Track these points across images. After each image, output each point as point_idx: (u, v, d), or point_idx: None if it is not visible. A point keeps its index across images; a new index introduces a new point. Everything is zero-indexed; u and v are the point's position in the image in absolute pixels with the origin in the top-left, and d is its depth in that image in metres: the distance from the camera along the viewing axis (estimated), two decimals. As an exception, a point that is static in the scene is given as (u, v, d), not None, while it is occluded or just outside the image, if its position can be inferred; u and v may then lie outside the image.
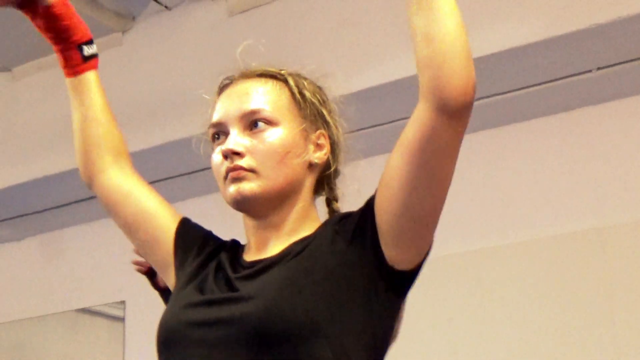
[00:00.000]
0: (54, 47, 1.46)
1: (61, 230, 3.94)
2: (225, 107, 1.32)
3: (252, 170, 1.27)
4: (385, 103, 2.93)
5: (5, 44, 3.47)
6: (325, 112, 1.36)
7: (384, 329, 1.24)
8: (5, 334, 4.10)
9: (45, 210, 3.76)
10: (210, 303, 1.25)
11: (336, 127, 1.37)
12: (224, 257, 1.34)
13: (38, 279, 3.99)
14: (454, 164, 1.17)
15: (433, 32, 1.12)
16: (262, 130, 1.28)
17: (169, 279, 1.41)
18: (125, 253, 3.74)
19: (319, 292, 1.18)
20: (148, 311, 3.54)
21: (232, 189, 1.27)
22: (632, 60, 2.70)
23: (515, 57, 2.68)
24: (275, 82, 1.34)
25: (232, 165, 1.27)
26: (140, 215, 1.41)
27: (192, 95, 3.11)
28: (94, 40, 3.61)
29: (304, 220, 1.33)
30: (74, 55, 1.45)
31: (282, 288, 1.18)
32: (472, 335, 3.01)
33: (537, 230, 2.99)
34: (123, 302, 3.76)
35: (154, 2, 3.28)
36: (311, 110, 1.34)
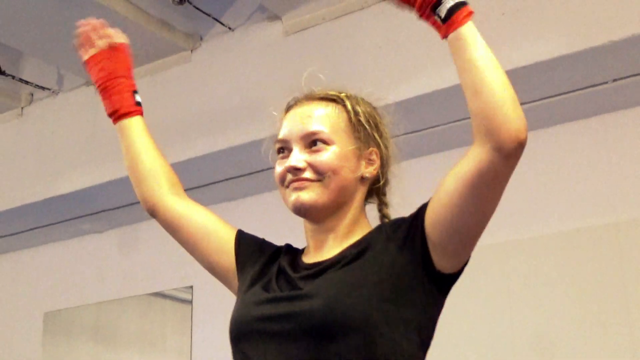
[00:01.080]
0: (108, 90, 1.49)
1: (136, 224, 3.96)
2: (290, 127, 1.33)
3: (312, 181, 1.29)
4: (421, 112, 2.92)
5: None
6: (376, 135, 1.37)
7: (429, 324, 1.25)
8: (88, 315, 4.13)
9: (123, 206, 3.78)
10: (276, 300, 1.26)
11: (386, 146, 1.38)
12: (283, 260, 1.36)
13: (116, 267, 4.02)
14: (503, 191, 1.19)
15: (480, 87, 1.13)
16: (320, 149, 1.30)
17: (231, 283, 1.43)
18: None
19: (374, 292, 1.19)
20: (213, 295, 3.57)
21: (293, 197, 1.30)
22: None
23: (540, 71, 2.67)
24: (334, 105, 1.35)
25: (295, 178, 1.30)
26: (200, 233, 1.43)
27: (252, 106, 3.17)
28: (168, 58, 3.67)
29: (355, 226, 1.35)
30: (130, 99, 1.50)
31: (341, 287, 1.20)
32: (496, 323, 2.98)
33: (557, 224, 2.96)
34: (191, 287, 3.77)
35: (219, 24, 3.30)
36: (364, 131, 1.35)
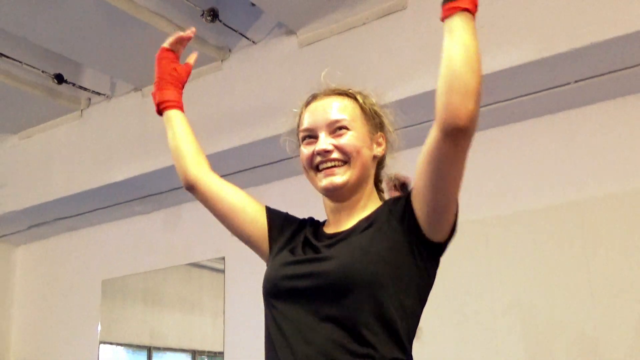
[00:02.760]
0: (165, 86, 1.55)
1: (178, 206, 3.98)
2: (314, 117, 1.34)
3: (340, 161, 1.31)
4: (413, 110, 2.93)
5: (137, 67, 3.50)
6: (384, 121, 1.40)
7: (426, 284, 1.27)
8: (138, 282, 4.14)
9: (167, 191, 3.80)
10: (300, 262, 1.28)
11: (390, 131, 1.41)
12: (308, 231, 1.37)
13: (161, 241, 4.04)
14: (461, 169, 1.16)
15: (443, 69, 1.10)
16: (343, 134, 1.31)
17: (263, 250, 1.43)
18: None
19: (380, 257, 1.21)
20: (242, 265, 3.59)
21: (325, 181, 1.31)
22: (601, 75, 2.68)
23: (512, 74, 2.67)
24: (348, 98, 1.37)
25: (324, 159, 1.31)
26: (234, 206, 1.43)
27: (272, 106, 3.19)
28: (203, 67, 3.65)
29: (369, 201, 1.35)
30: (178, 97, 1.55)
31: (354, 252, 1.22)
32: (478, 288, 2.97)
33: (530, 204, 2.95)
34: (223, 258, 3.77)
35: (245, 38, 3.31)
36: (374, 119, 1.38)
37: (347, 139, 1.31)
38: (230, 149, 3.30)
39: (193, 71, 3.84)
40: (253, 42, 3.32)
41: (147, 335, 4.14)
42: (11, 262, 4.55)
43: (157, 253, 4.02)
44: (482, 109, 3.05)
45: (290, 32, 3.19)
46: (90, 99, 3.88)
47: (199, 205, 4.02)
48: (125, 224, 4.16)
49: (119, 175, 3.64)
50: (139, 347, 4.18)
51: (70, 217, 4.15)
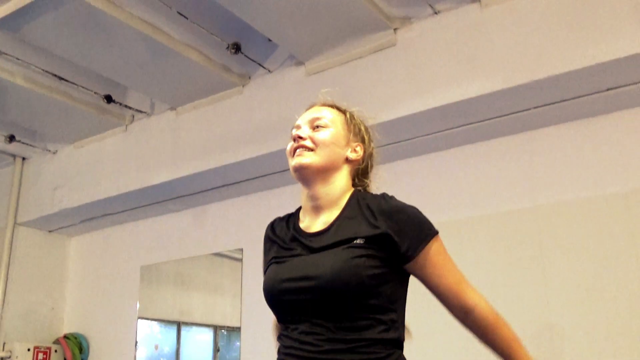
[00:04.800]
0: None
1: (204, 205, 3.95)
2: (303, 117, 1.35)
3: (309, 149, 1.27)
4: (398, 130, 2.94)
5: (173, 90, 3.50)
6: (365, 136, 1.35)
7: (405, 284, 1.24)
8: (171, 268, 4.12)
9: (195, 193, 3.78)
10: (290, 280, 1.19)
11: (369, 145, 1.36)
12: (278, 236, 1.30)
13: (190, 235, 3.98)
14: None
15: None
16: (319, 130, 1.30)
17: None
18: (242, 219, 3.80)
19: (365, 265, 1.14)
20: (257, 255, 3.56)
21: (294, 161, 1.28)
22: (555, 103, 2.68)
23: (481, 101, 2.66)
24: (337, 111, 1.35)
25: (297, 145, 1.28)
26: None
27: (284, 125, 3.18)
28: (227, 91, 3.60)
29: (342, 198, 1.27)
30: None
31: (341, 265, 1.13)
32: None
33: (498, 206, 2.91)
34: (241, 249, 3.75)
35: (262, 67, 3.31)
36: (355, 130, 1.34)
37: (321, 133, 1.29)
38: (249, 158, 3.30)
39: (219, 94, 3.84)
40: (269, 70, 3.32)
41: (177, 312, 4.15)
42: (66, 251, 4.55)
43: (186, 244, 4.00)
44: (457, 129, 3.06)
45: (300, 63, 3.19)
46: (133, 116, 3.88)
47: (222, 205, 3.99)
48: (160, 219, 4.15)
49: (156, 179, 3.63)
50: (170, 322, 4.17)
51: (115, 213, 4.15)
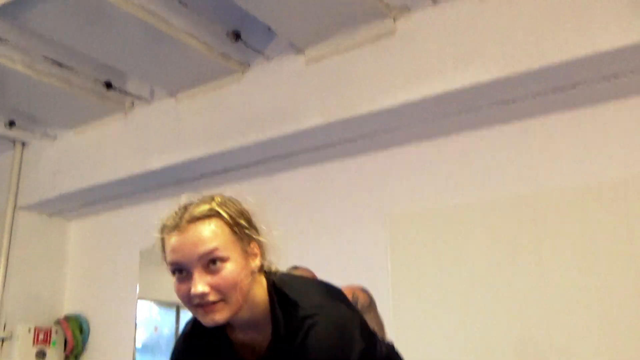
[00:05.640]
0: None
1: (203, 190, 3.93)
2: (181, 252, 1.04)
3: (219, 302, 1.04)
4: (397, 117, 2.92)
5: (172, 76, 3.48)
6: (252, 229, 1.11)
7: None
8: None
9: (195, 178, 3.76)
10: None
11: (259, 235, 1.13)
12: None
13: None
14: None
15: None
16: (219, 269, 1.04)
17: None
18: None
19: None
20: None
21: (206, 319, 1.05)
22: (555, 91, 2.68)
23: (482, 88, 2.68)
24: (214, 219, 1.06)
25: (201, 302, 1.04)
26: None
27: (283, 112, 3.20)
28: (227, 78, 3.56)
29: (260, 307, 1.11)
30: None
31: None
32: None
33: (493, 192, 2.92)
34: None
35: (261, 55, 3.30)
36: (242, 232, 1.09)
37: (224, 275, 1.03)
38: (248, 145, 3.30)
39: (220, 81, 3.82)
40: (268, 58, 3.30)
41: (175, 295, 4.12)
42: (66, 234, 4.55)
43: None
44: (455, 117, 3.04)
45: (299, 51, 3.18)
46: (133, 102, 3.86)
47: (221, 190, 3.98)
48: (160, 204, 4.12)
49: (155, 165, 3.63)
50: (169, 304, 4.20)
51: (115, 198, 4.15)
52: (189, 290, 1.04)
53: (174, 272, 1.07)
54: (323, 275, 3.18)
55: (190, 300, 1.05)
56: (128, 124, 3.85)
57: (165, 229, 1.09)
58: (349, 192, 3.36)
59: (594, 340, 2.51)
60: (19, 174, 4.28)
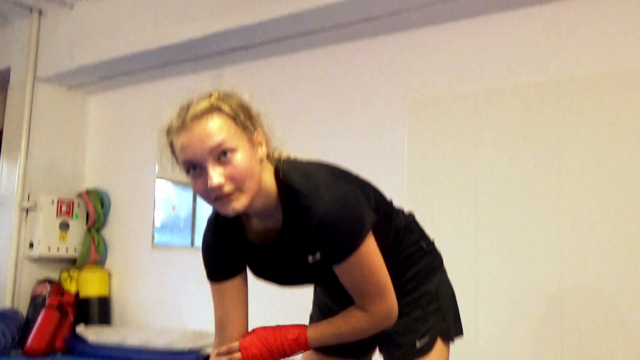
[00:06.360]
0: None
1: (222, 67, 3.78)
2: (192, 149, 1.07)
3: (235, 191, 1.08)
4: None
5: None
6: (254, 119, 1.14)
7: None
8: None
9: (214, 54, 3.64)
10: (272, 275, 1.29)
11: (261, 124, 1.15)
12: (232, 242, 1.24)
13: None
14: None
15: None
16: (229, 159, 1.07)
17: None
18: (258, 85, 3.68)
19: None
20: None
21: (227, 209, 1.09)
22: None
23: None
24: (215, 113, 1.09)
25: (219, 194, 1.08)
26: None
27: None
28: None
29: (272, 196, 1.16)
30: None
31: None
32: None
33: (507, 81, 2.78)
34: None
35: None
36: (244, 123, 1.11)
37: (235, 164, 1.07)
38: (268, 19, 3.13)
39: None
40: None
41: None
42: (86, 109, 4.52)
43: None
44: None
45: None
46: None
47: (238, 69, 3.86)
48: (177, 81, 4.04)
49: (174, 38, 3.50)
50: (185, 184, 4.15)
51: (133, 72, 4.05)
52: (206, 185, 1.07)
53: (188, 171, 1.09)
54: (341, 154, 3.16)
55: (209, 195, 1.08)
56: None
57: (171, 131, 1.11)
58: (371, 74, 3.22)
59: (609, 241, 2.46)
60: (37, 44, 4.19)
